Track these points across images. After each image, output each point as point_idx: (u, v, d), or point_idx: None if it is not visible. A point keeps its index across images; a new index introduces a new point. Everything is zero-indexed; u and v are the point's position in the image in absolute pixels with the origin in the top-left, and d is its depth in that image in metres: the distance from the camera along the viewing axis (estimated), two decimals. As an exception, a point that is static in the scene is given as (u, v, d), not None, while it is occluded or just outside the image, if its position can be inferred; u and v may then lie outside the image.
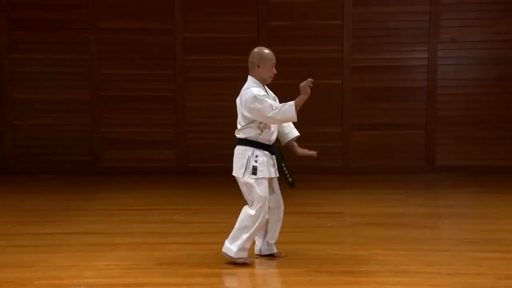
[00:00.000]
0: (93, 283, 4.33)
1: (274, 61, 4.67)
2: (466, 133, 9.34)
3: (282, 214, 4.86)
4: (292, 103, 4.43)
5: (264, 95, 4.59)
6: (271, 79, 4.71)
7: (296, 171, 4.87)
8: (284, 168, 4.77)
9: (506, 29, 9.15)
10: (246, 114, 4.61)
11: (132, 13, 9.32)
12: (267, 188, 4.63)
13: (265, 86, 4.76)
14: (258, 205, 4.60)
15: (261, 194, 4.59)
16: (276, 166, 4.72)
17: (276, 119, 4.52)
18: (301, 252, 5.06)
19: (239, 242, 4.68)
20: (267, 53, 4.67)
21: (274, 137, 4.74)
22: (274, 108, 4.47)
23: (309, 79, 4.47)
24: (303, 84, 4.45)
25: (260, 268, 4.69)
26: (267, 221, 4.77)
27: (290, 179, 4.79)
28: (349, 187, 8.55)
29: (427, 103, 9.34)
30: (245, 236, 4.66)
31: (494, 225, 6.16)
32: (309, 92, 4.44)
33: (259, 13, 9.25)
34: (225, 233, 5.74)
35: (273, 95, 4.82)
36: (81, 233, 5.81)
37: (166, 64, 9.36)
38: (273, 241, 4.90)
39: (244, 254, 4.70)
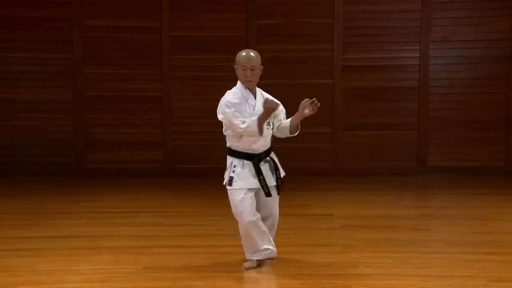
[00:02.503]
0: (77, 288, 4.27)
1: (246, 65, 4.50)
2: (458, 133, 9.30)
3: (275, 223, 4.82)
4: (255, 119, 4.44)
5: (236, 103, 4.51)
6: (247, 83, 4.57)
7: (284, 172, 4.78)
8: (262, 182, 4.58)
9: (498, 27, 9.11)
10: (220, 117, 4.58)
11: (117, 10, 9.20)
12: (242, 196, 4.53)
13: (260, 90, 4.67)
14: (235, 213, 4.61)
15: (234, 203, 4.58)
16: (261, 176, 4.56)
17: (242, 134, 4.51)
18: (291, 255, 5.01)
19: (245, 251, 4.75)
20: (241, 56, 4.56)
21: (259, 146, 4.59)
22: (242, 124, 4.44)
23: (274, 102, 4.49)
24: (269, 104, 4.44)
25: (249, 272, 4.64)
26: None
27: (266, 190, 4.61)
28: (339, 188, 8.50)
29: (419, 103, 9.29)
30: (244, 244, 4.71)
31: (486, 227, 6.13)
32: (270, 114, 4.49)
33: (248, 11, 9.17)
34: (213, 235, 5.74)
35: (266, 96, 4.67)
36: (65, 237, 5.73)
37: (152, 63, 9.25)
38: None
39: (251, 262, 4.73)
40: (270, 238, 4.76)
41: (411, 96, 9.30)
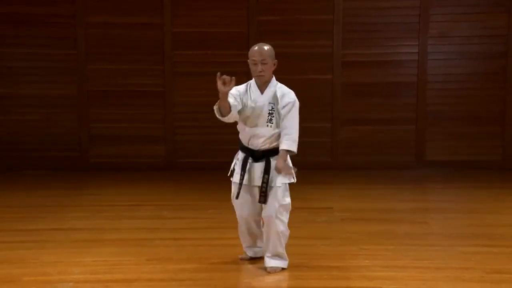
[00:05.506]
0: (81, 279, 4.31)
1: (255, 58, 4.30)
2: (455, 128, 9.35)
3: (270, 233, 4.43)
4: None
5: (236, 90, 4.36)
6: (259, 78, 4.36)
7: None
8: (264, 184, 4.33)
9: (495, 24, 9.16)
10: None
11: (120, 7, 9.24)
12: (235, 191, 4.43)
13: (280, 87, 4.41)
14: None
15: (232, 195, 4.51)
16: (262, 175, 4.34)
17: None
18: (290, 247, 4.96)
19: None
20: (252, 49, 4.36)
21: (257, 143, 4.38)
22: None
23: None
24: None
25: (249, 263, 4.68)
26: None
27: (261, 197, 4.36)
28: (339, 182, 8.55)
29: (417, 98, 9.35)
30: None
31: (483, 220, 6.19)
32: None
33: (249, 7, 9.21)
34: (214, 228, 5.77)
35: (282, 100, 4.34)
36: (69, 229, 5.77)
37: (154, 59, 9.29)
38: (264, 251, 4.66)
39: (244, 254, 4.76)
40: (259, 241, 4.65)
41: (409, 91, 9.35)
